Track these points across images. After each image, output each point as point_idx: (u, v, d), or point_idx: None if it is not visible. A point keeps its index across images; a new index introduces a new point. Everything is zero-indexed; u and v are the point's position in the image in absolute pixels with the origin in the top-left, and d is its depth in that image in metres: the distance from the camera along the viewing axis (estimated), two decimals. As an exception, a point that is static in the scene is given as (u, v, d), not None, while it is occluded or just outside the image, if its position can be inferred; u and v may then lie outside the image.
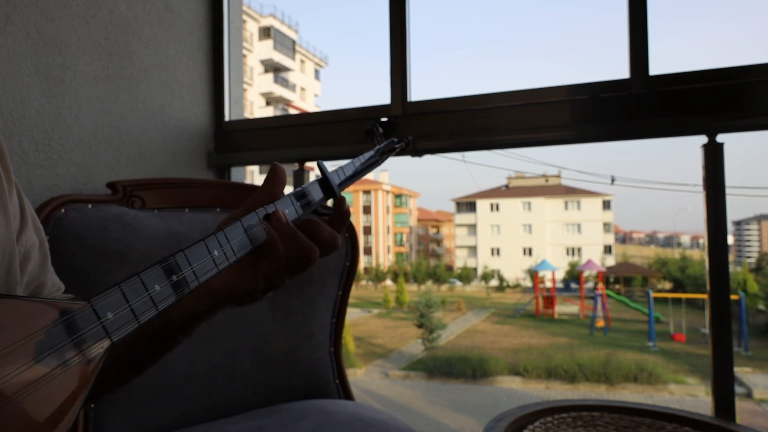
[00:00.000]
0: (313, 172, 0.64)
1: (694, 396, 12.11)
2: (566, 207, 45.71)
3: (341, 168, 0.66)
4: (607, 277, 33.10)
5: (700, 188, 1.32)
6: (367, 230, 48.45)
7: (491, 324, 22.76)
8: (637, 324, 21.40)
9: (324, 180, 0.61)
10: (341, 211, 0.58)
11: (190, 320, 0.56)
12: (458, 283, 40.78)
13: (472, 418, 10.31)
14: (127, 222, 1.14)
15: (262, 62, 39.35)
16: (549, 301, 24.42)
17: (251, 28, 38.60)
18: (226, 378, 1.21)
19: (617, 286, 34.09)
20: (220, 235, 0.49)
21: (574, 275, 33.70)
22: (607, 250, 44.44)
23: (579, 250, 44.22)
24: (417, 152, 1.54)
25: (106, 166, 1.42)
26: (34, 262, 0.60)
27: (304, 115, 1.76)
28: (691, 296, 22.03)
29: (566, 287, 32.08)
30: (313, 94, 44.08)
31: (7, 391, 0.34)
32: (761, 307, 23.36)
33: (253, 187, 1.39)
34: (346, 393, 1.40)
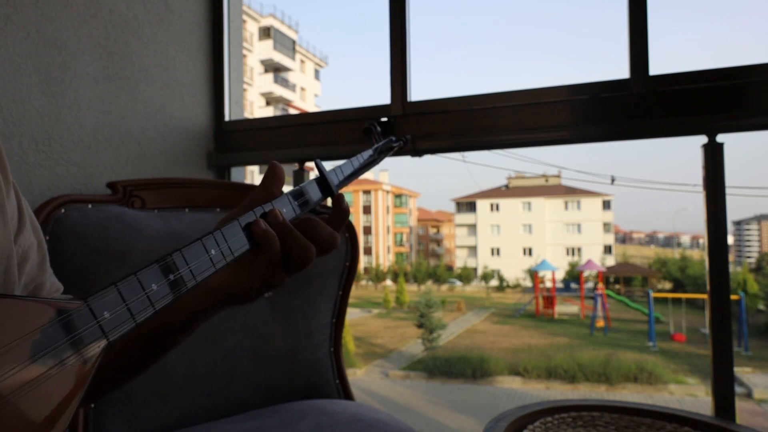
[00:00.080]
0: (313, 172, 0.63)
1: (694, 396, 12.11)
2: (566, 207, 45.71)
3: (339, 167, 0.66)
4: (607, 277, 33.10)
5: (700, 188, 1.32)
6: (367, 230, 48.46)
7: (491, 324, 22.76)
8: (637, 324, 21.40)
9: (322, 179, 0.61)
10: (340, 209, 0.58)
11: (189, 320, 0.56)
12: (458, 283, 40.77)
13: (472, 418, 10.31)
14: (127, 222, 1.14)
15: (262, 62, 39.35)
16: (549, 301, 24.41)
17: (251, 28, 38.60)
18: (226, 378, 1.21)
19: (617, 286, 34.09)
20: (217, 234, 0.49)
21: (574, 275, 33.70)
22: (607, 250, 44.44)
23: (579, 250, 44.22)
24: (417, 152, 1.54)
25: (106, 166, 1.42)
26: (32, 262, 0.60)
27: (304, 115, 1.76)
28: (691, 296, 22.03)
29: (566, 287, 32.08)
30: (313, 94, 44.08)
31: (3, 391, 0.34)
32: (761, 307, 23.36)
33: (252, 187, 1.39)
34: (346, 393, 1.40)
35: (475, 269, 44.18)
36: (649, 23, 1.35)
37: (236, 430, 1.08)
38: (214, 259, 0.48)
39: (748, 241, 68.95)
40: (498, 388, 13.00)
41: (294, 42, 41.34)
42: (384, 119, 1.57)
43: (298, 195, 0.58)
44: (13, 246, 0.56)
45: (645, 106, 1.34)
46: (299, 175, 1.69)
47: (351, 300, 1.50)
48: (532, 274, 31.30)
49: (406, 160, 1.62)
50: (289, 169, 1.79)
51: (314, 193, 0.60)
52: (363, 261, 45.89)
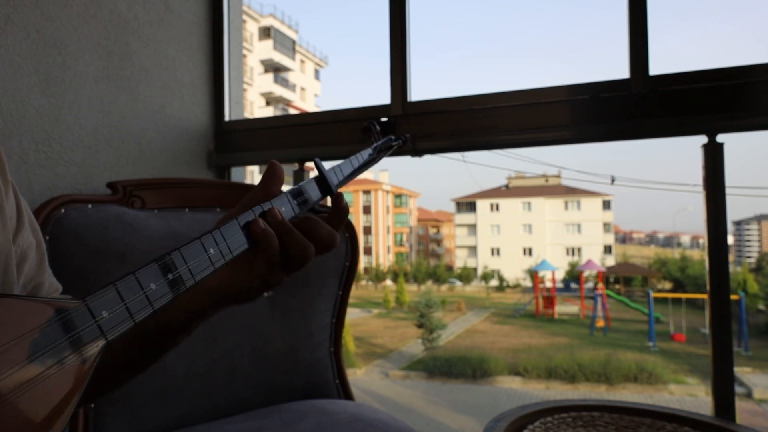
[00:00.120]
0: (313, 171, 0.63)
1: (694, 396, 12.11)
2: (566, 207, 45.71)
3: (338, 166, 0.66)
4: (607, 277, 33.10)
5: (700, 188, 1.32)
6: (367, 230, 48.46)
7: (491, 324, 22.76)
8: (637, 324, 21.40)
9: (321, 178, 0.61)
10: (339, 208, 0.57)
11: (188, 319, 0.56)
12: (458, 283, 40.77)
13: (472, 418, 10.31)
14: (127, 222, 1.14)
15: (262, 62, 39.35)
16: (549, 301, 24.41)
17: (251, 28, 38.60)
18: (225, 378, 1.21)
19: (617, 286, 34.09)
20: (216, 233, 0.48)
21: (574, 275, 33.70)
22: (607, 250, 44.44)
23: (579, 250, 44.22)
24: (417, 152, 1.54)
25: (106, 166, 1.42)
26: (31, 262, 0.60)
27: (304, 115, 1.76)
28: (691, 296, 22.03)
29: (566, 287, 32.08)
30: (313, 94, 44.08)
31: (2, 390, 0.34)
32: (761, 307, 23.36)
33: (252, 187, 1.39)
34: (346, 393, 1.40)
35: (475, 269, 44.18)
36: (649, 23, 1.35)
37: (236, 430, 1.08)
38: (213, 258, 0.48)
39: (748, 241, 68.96)
40: (498, 388, 13.00)
41: (294, 42, 41.34)
42: (384, 119, 1.57)
43: (297, 194, 0.58)
44: (12, 246, 0.56)
45: (645, 106, 1.34)
46: (299, 175, 1.69)
47: (351, 300, 1.50)
48: (532, 274, 31.30)
49: (406, 160, 1.62)
50: (289, 169, 1.80)
51: (313, 192, 0.60)
52: (363, 261, 45.88)
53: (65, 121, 1.32)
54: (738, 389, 10.59)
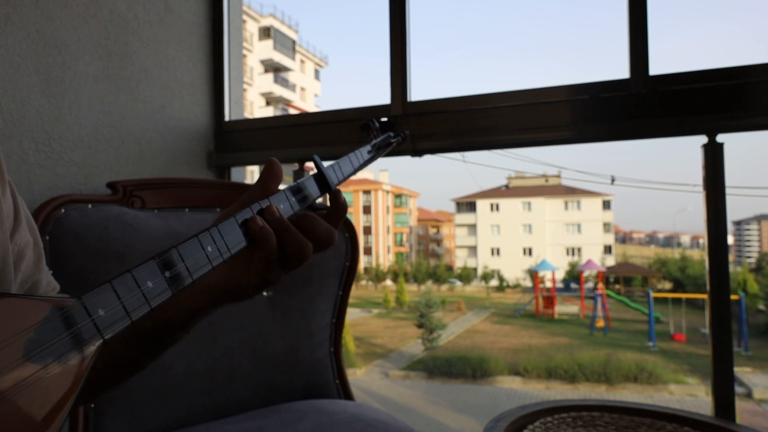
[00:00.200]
0: (313, 171, 0.63)
1: (694, 396, 12.11)
2: (566, 207, 45.71)
3: (337, 163, 0.65)
4: (607, 277, 33.10)
5: (700, 188, 1.32)
6: (367, 230, 48.45)
7: (491, 324, 22.76)
8: (637, 324, 21.40)
9: (320, 175, 0.61)
10: (337, 205, 0.57)
11: (186, 317, 0.56)
12: (458, 283, 40.77)
13: (472, 418, 10.31)
14: (127, 222, 1.14)
15: (262, 62, 39.35)
16: (549, 301, 24.41)
17: (251, 28, 38.60)
18: (225, 377, 1.21)
19: (617, 286, 34.09)
20: (213, 231, 0.48)
21: (574, 275, 33.69)
22: (607, 250, 44.44)
23: (579, 250, 44.22)
24: (417, 152, 1.54)
25: (106, 166, 1.42)
26: (28, 260, 0.59)
27: (304, 115, 1.76)
28: (691, 296, 22.02)
29: (566, 287, 32.07)
30: (313, 94, 44.08)
31: (1, 388, 0.33)
32: (761, 307, 23.36)
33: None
34: (346, 393, 1.40)
35: (475, 269, 44.17)
36: (649, 23, 1.35)
37: (236, 430, 1.08)
38: (211, 256, 0.47)
39: (748, 241, 68.95)
40: (498, 388, 13.00)
41: (294, 42, 41.34)
42: (384, 119, 1.57)
43: (295, 191, 0.57)
44: (9, 244, 0.55)
45: (645, 106, 1.34)
46: (299, 175, 1.69)
47: (351, 300, 1.50)
48: (532, 274, 31.30)
49: (406, 160, 1.62)
50: (289, 169, 1.80)
51: (312, 190, 0.60)
52: (363, 261, 45.88)
53: (65, 121, 1.32)
54: (738, 389, 10.59)
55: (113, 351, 0.54)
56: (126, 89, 1.49)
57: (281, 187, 0.57)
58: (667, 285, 34.04)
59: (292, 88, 41.24)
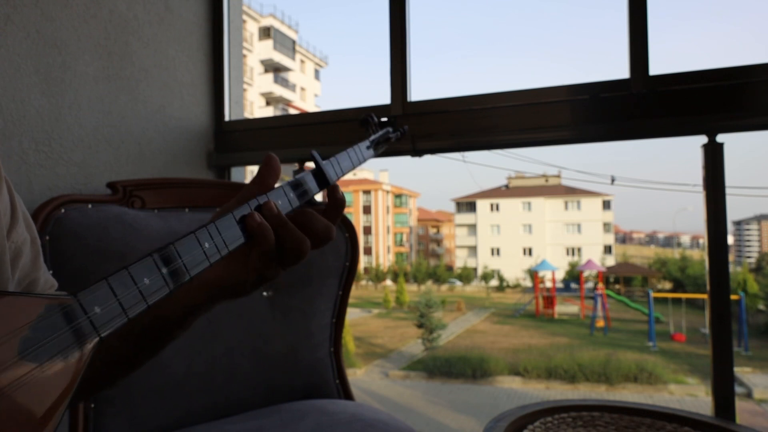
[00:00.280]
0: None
1: (694, 396, 12.11)
2: (566, 207, 45.71)
3: (336, 158, 0.65)
4: (607, 277, 33.09)
5: (700, 188, 1.32)
6: (367, 230, 48.45)
7: (491, 324, 22.76)
8: (637, 324, 21.40)
9: (318, 170, 0.60)
10: (335, 199, 0.56)
11: (184, 313, 0.55)
12: (458, 283, 40.77)
13: (472, 418, 10.31)
14: (127, 222, 1.14)
15: (262, 62, 39.35)
16: (549, 301, 24.41)
17: (251, 28, 38.60)
18: (225, 377, 1.21)
19: (617, 286, 34.09)
20: (211, 227, 0.48)
21: (574, 275, 33.69)
22: (607, 250, 44.44)
23: (579, 250, 44.21)
24: (417, 152, 1.54)
25: (106, 166, 1.42)
26: (25, 258, 0.59)
27: (304, 115, 1.76)
28: (691, 296, 22.02)
29: (566, 287, 32.07)
30: (313, 94, 44.09)
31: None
32: (761, 307, 23.36)
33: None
34: (346, 393, 1.40)
35: (475, 269, 44.17)
36: (649, 23, 1.35)
37: (236, 430, 1.08)
38: (208, 252, 0.47)
39: (748, 241, 68.95)
40: (498, 388, 13.00)
41: (294, 42, 41.35)
42: (384, 119, 1.57)
43: (294, 186, 0.57)
44: (6, 242, 0.55)
45: (645, 106, 1.34)
46: (299, 175, 1.69)
47: (351, 300, 1.50)
48: (532, 274, 31.29)
49: (406, 160, 1.62)
50: (288, 170, 1.80)
51: (311, 185, 0.59)
52: (363, 261, 45.87)
53: (65, 121, 1.32)
54: (738, 389, 10.58)
55: (110, 348, 0.54)
56: (126, 89, 1.49)
57: (280, 183, 0.56)
58: (667, 285, 34.04)
59: (292, 88, 41.25)
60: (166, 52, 1.62)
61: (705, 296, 1.49)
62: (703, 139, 1.31)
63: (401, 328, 21.27)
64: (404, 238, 52.31)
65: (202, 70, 1.75)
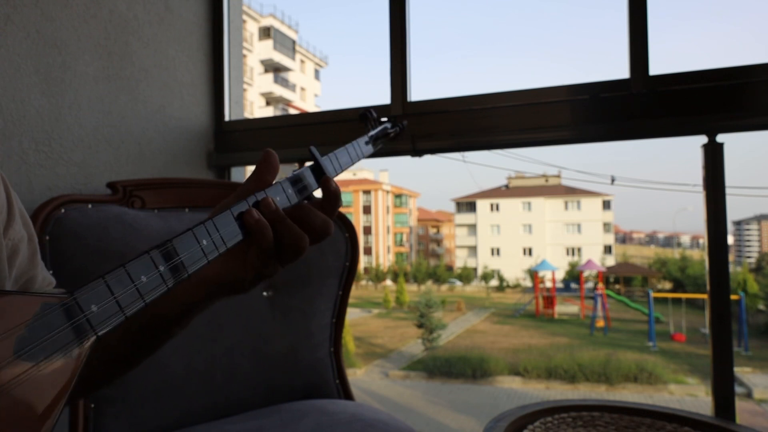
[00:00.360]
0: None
1: (694, 396, 12.11)
2: (566, 207, 45.71)
3: (334, 153, 0.65)
4: (607, 277, 33.09)
5: (700, 188, 1.32)
6: (367, 230, 48.43)
7: (491, 324, 22.76)
8: (637, 324, 21.40)
9: (316, 166, 0.60)
10: (329, 192, 0.55)
11: (182, 311, 0.55)
12: (458, 283, 40.77)
13: (472, 418, 10.31)
14: (127, 222, 1.14)
15: (262, 62, 39.35)
16: (549, 301, 24.41)
17: (251, 28, 38.60)
18: (225, 377, 1.21)
19: (617, 286, 34.08)
20: (208, 224, 0.47)
21: (574, 275, 33.69)
22: (607, 250, 44.43)
23: (579, 250, 44.21)
24: (417, 152, 1.54)
25: (106, 166, 1.42)
26: (22, 256, 0.59)
27: (304, 115, 1.76)
28: (691, 296, 22.02)
29: (566, 287, 32.07)
30: (313, 94, 44.09)
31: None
32: (761, 307, 23.36)
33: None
34: (346, 393, 1.40)
35: (475, 269, 44.17)
36: (649, 23, 1.35)
37: (236, 430, 1.08)
38: (206, 249, 0.47)
39: (748, 241, 68.95)
40: (498, 388, 13.00)
41: (294, 42, 41.35)
42: (384, 119, 1.57)
43: (293, 182, 0.57)
44: (3, 239, 0.55)
45: (645, 106, 1.34)
46: (299, 175, 1.69)
47: (351, 300, 1.50)
48: (532, 274, 31.29)
49: (406, 160, 1.62)
50: (288, 170, 1.80)
51: (309, 180, 0.59)
52: (363, 261, 45.86)
53: (65, 121, 1.32)
54: (738, 389, 10.58)
55: (107, 347, 0.53)
56: (126, 89, 1.49)
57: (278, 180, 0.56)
58: (667, 285, 34.04)
59: (292, 88, 41.25)
60: (166, 52, 1.62)
61: (705, 296, 1.49)
62: (703, 139, 1.31)
63: (401, 328, 21.27)
64: (404, 238, 52.31)
65: (202, 70, 1.75)
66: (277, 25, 39.39)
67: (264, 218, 0.50)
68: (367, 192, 49.03)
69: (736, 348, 15.71)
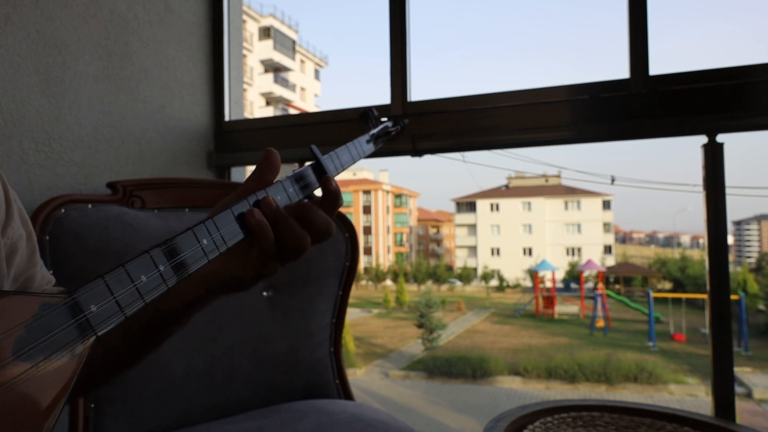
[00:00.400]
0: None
1: (694, 396, 12.11)
2: (566, 207, 45.71)
3: (335, 152, 0.64)
4: (607, 277, 33.09)
5: (700, 188, 1.32)
6: (367, 230, 48.43)
7: (491, 324, 22.76)
8: (637, 324, 21.40)
9: (317, 165, 0.60)
10: (329, 191, 0.55)
11: (182, 309, 0.55)
12: (458, 283, 40.77)
13: (472, 418, 10.31)
14: (127, 222, 1.14)
15: (262, 62, 39.35)
16: (549, 301, 24.41)
17: (251, 28, 38.60)
18: (225, 377, 1.21)
19: (617, 286, 34.08)
20: (209, 224, 0.47)
21: (574, 275, 33.69)
22: (607, 250, 44.44)
23: (579, 250, 44.21)
24: (417, 152, 1.54)
25: (106, 166, 1.42)
26: (21, 254, 0.59)
27: (304, 115, 1.76)
28: (691, 296, 22.03)
29: (566, 287, 32.07)
30: (313, 94, 44.09)
31: None
32: (761, 307, 23.36)
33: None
34: (346, 393, 1.40)
35: (475, 269, 44.17)
36: (649, 23, 1.35)
37: (236, 430, 1.08)
38: (206, 249, 0.46)
39: (748, 241, 68.94)
40: (498, 388, 13.00)
41: (294, 42, 41.35)
42: (384, 119, 1.57)
43: (293, 181, 0.56)
44: (1, 238, 0.55)
45: (645, 106, 1.34)
46: (299, 175, 1.69)
47: (351, 300, 1.50)
48: (532, 274, 31.29)
49: (406, 160, 1.62)
50: (288, 170, 1.80)
51: (310, 178, 0.58)
52: (363, 261, 45.85)
53: (65, 121, 1.32)
54: (738, 389, 10.58)
55: (107, 346, 0.53)
56: (126, 89, 1.49)
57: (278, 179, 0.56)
58: (667, 285, 34.04)
59: (292, 88, 41.25)
60: (166, 52, 1.62)
61: (705, 296, 1.49)
62: (703, 139, 1.31)
63: (401, 328, 21.27)
64: (404, 238, 52.30)
65: (202, 70, 1.75)
66: (277, 25, 39.39)
67: (265, 218, 0.50)
68: (367, 192, 49.03)
69: (736, 348, 15.71)
